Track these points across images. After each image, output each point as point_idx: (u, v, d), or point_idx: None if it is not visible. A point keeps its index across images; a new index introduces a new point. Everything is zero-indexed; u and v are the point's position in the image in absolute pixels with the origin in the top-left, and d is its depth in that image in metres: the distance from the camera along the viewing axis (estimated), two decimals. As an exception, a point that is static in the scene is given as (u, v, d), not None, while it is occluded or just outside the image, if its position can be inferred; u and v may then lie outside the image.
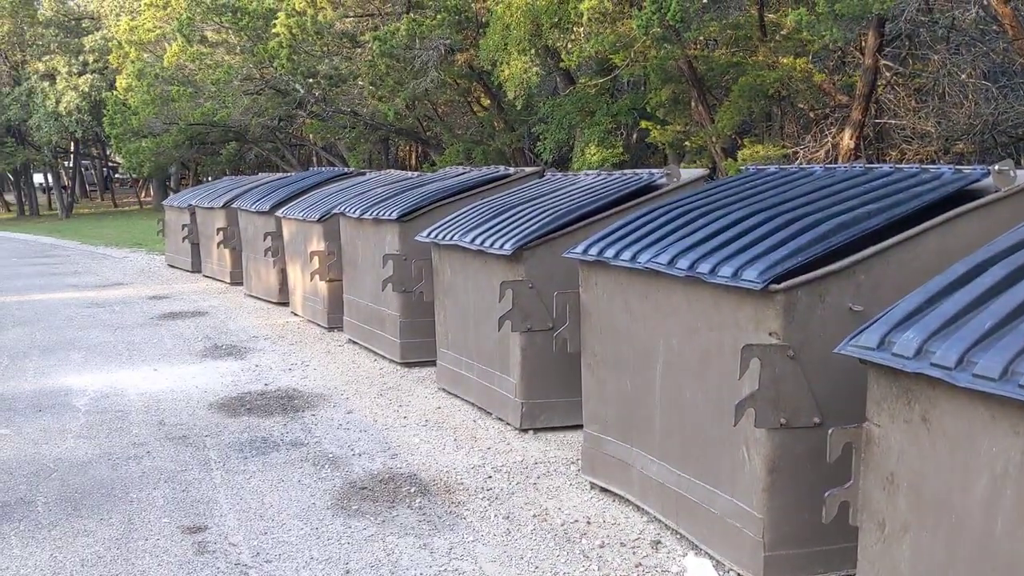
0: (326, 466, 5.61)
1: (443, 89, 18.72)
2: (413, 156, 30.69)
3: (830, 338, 3.89)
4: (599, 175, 7.14)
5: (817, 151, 13.13)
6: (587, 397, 5.33)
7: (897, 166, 4.73)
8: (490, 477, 5.35)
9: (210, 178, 32.35)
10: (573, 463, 5.56)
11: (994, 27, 12.43)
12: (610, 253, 4.92)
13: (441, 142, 21.12)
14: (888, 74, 13.28)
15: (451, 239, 6.91)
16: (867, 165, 4.89)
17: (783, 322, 3.84)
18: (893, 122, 12.81)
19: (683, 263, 4.34)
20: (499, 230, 6.46)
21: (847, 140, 12.79)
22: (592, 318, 5.23)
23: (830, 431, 3.25)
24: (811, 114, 14.29)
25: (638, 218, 5.18)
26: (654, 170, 6.66)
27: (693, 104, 14.42)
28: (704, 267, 4.19)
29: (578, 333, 5.36)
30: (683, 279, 4.33)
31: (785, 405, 3.86)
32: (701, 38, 15.24)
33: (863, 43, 14.48)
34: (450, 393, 7.28)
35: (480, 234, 6.58)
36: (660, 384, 4.66)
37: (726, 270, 4.07)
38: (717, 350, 4.23)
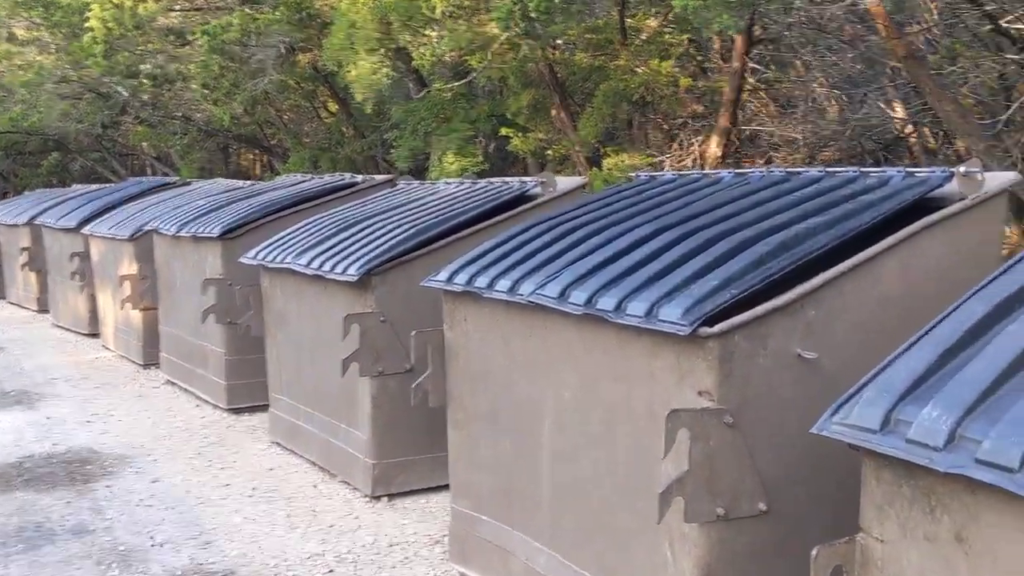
0: (114, 566, 4.29)
1: (286, 92, 17.26)
2: (258, 166, 28.84)
3: (775, 397, 2.96)
4: (462, 184, 6.07)
5: (684, 159, 12.50)
6: (455, 463, 4.22)
7: (828, 170, 3.86)
8: (331, 571, 4.17)
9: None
10: (438, 542, 4.45)
11: (842, 33, 12.13)
12: (482, 281, 3.85)
13: (287, 150, 19.59)
14: (752, 80, 12.80)
15: (282, 261, 5.68)
16: (788, 169, 4.01)
17: (718, 377, 2.85)
18: (760, 129, 12.32)
19: (578, 296, 3.30)
20: (342, 250, 5.29)
21: (714, 148, 12.19)
22: (460, 363, 4.14)
23: (814, 552, 2.25)
24: (664, 126, 13.66)
25: (515, 236, 4.14)
26: (527, 178, 5.65)
27: (555, 111, 13.59)
28: (607, 302, 3.17)
29: (443, 382, 4.26)
30: (579, 317, 3.30)
31: (723, 489, 2.87)
32: (560, 42, 14.48)
33: (722, 50, 14.05)
34: (286, 449, 6.03)
35: (318, 255, 5.39)
36: (549, 450, 3.61)
37: (637, 306, 3.06)
38: (626, 409, 3.21)
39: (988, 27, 9.88)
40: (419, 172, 16.10)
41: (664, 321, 2.91)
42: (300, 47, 15.02)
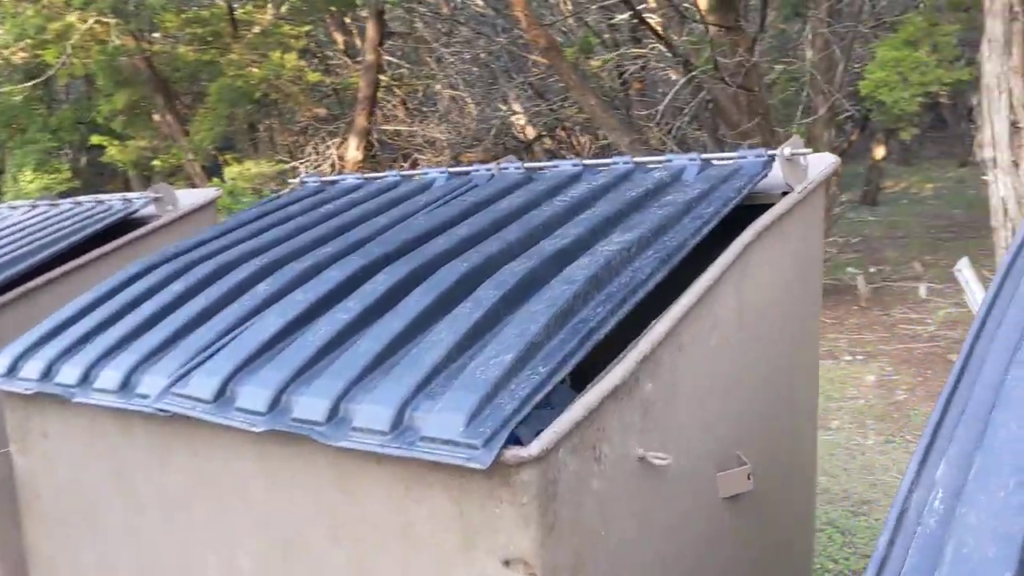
0: None
1: None
2: None
3: (616, 539, 1.77)
4: (34, 208, 4.23)
5: (320, 164, 11.17)
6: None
7: (586, 163, 2.76)
8: None
9: None
10: None
11: (478, 26, 11.58)
12: (71, 373, 2.25)
13: None
14: (385, 77, 11.76)
15: None
16: (527, 165, 2.87)
17: (540, 532, 1.59)
18: (402, 128, 11.32)
19: (255, 395, 1.88)
20: None
21: (353, 150, 11.03)
22: (44, 506, 2.48)
23: None
24: (294, 127, 12.25)
25: (124, 285, 2.57)
26: (132, 195, 4.00)
27: (159, 114, 11.59)
28: (311, 405, 1.79)
29: (15, 536, 2.56)
30: (260, 436, 1.86)
31: None
32: (158, 35, 12.46)
33: (347, 46, 12.92)
34: None
35: None
36: (221, 655, 2.13)
37: (373, 412, 1.71)
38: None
39: (627, 14, 9.67)
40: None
41: (435, 442, 1.59)
42: None
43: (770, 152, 2.41)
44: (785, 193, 2.40)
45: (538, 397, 1.61)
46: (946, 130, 18.42)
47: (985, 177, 6.17)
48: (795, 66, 10.08)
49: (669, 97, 8.20)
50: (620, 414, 1.76)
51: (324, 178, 3.35)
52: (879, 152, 13.85)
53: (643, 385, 1.84)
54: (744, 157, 2.45)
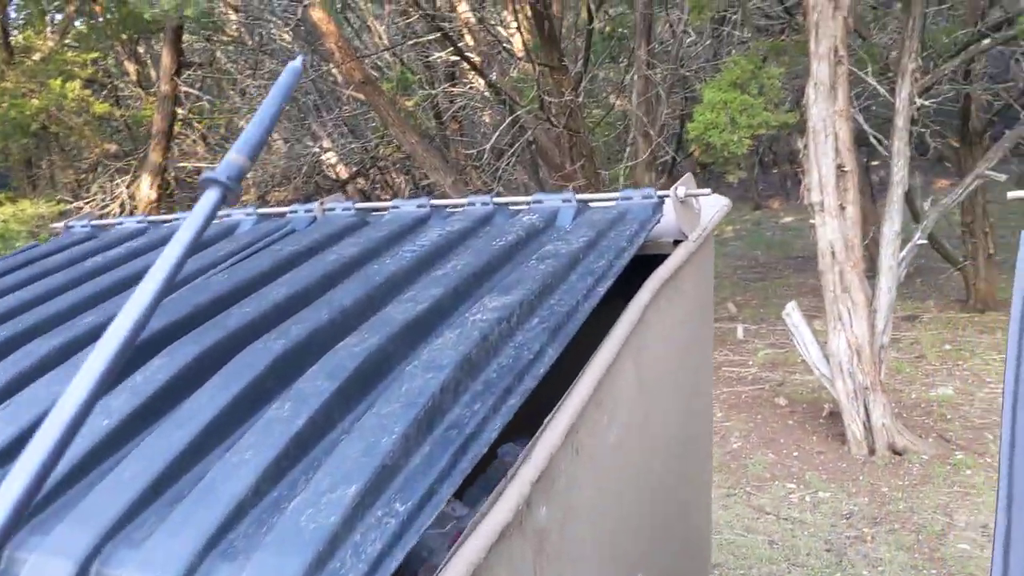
0: None
1: None
2: None
3: None
4: None
5: (109, 204, 10.08)
6: None
7: (434, 203, 2.24)
8: None
9: None
10: None
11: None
12: None
13: None
14: (182, 111, 10.84)
15: None
16: (361, 205, 2.32)
17: None
18: (203, 166, 10.42)
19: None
20: None
21: (147, 189, 10.02)
22: None
23: None
24: (68, 168, 11.08)
25: None
26: None
27: (-84, 146, 10.16)
28: (40, 567, 1.16)
29: None
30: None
31: None
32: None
33: (140, 77, 11.88)
34: None
35: None
36: None
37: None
38: None
39: (445, 52, 9.29)
40: None
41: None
42: None
43: (661, 193, 1.98)
44: (677, 241, 1.98)
45: (399, 555, 1.06)
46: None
47: (812, 221, 6.13)
48: (615, 109, 10.03)
49: (495, 137, 7.83)
50: (509, 558, 1.24)
51: (97, 222, 2.66)
52: (687, 195, 14.11)
53: (536, 511, 1.33)
54: (629, 198, 2.01)
